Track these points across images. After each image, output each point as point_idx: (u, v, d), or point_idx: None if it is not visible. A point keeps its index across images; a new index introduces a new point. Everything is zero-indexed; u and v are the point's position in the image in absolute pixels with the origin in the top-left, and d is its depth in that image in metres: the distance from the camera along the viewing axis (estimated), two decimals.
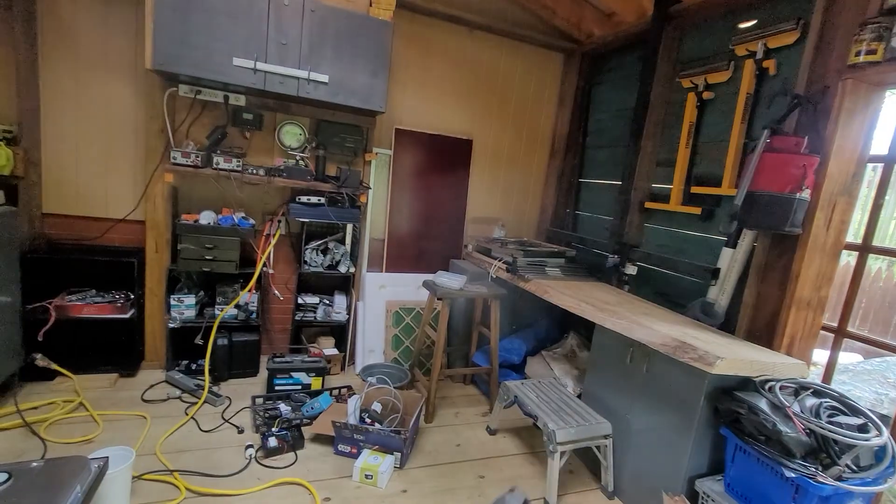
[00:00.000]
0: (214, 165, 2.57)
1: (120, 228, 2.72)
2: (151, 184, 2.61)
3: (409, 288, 3.29)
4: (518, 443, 2.55)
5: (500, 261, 3.05)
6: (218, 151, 2.62)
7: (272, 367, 2.62)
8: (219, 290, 2.82)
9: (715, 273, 2.26)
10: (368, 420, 2.33)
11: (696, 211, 2.51)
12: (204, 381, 2.61)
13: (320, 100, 2.52)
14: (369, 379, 2.62)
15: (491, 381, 2.85)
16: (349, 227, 3.09)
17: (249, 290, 2.81)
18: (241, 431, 2.30)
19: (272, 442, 2.18)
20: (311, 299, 3.04)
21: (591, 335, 2.42)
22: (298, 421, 2.38)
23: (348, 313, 3.09)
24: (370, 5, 2.59)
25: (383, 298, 3.18)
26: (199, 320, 2.73)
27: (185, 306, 2.73)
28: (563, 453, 2.05)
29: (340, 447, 2.23)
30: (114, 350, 2.67)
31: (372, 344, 3.13)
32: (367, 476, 2.04)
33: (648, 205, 2.84)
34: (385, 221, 3.27)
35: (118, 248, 2.69)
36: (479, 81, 3.43)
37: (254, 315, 2.85)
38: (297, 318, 2.98)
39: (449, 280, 2.68)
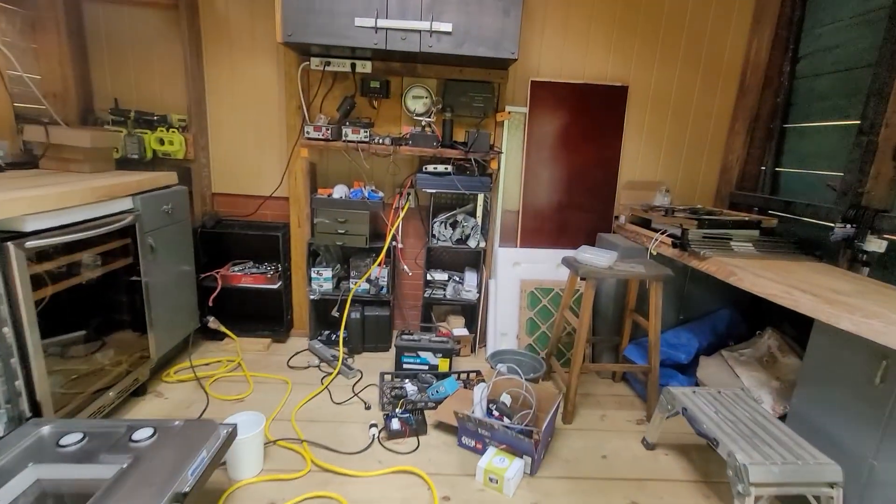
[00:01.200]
0: (343, 138, 2.53)
1: (270, 205, 2.92)
2: (291, 160, 2.71)
3: (547, 266, 2.88)
4: (685, 465, 1.99)
5: (662, 233, 2.42)
6: (347, 123, 2.57)
7: (400, 345, 2.53)
8: (352, 263, 2.84)
9: None
10: (496, 414, 2.05)
11: None
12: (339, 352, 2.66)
13: (445, 53, 2.25)
14: (499, 367, 2.34)
15: (649, 382, 2.30)
16: (480, 197, 2.81)
17: (379, 265, 2.75)
18: (367, 408, 2.25)
19: (395, 424, 2.06)
20: (440, 276, 2.88)
21: (803, 335, 1.71)
22: (423, 404, 2.24)
23: (479, 292, 2.84)
24: None
25: (518, 277, 2.84)
26: (335, 293, 2.79)
27: (324, 279, 2.81)
28: (758, 498, 1.47)
29: (464, 440, 2.00)
30: (268, 317, 2.91)
31: (504, 327, 2.84)
32: (491, 479, 1.77)
33: None
34: (520, 190, 2.89)
35: (270, 224, 2.89)
36: (636, 9, 2.74)
37: (384, 290, 2.80)
38: (426, 294, 2.85)
39: (594, 256, 2.20)
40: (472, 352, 2.91)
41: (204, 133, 2.78)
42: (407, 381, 2.43)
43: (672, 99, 2.89)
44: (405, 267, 2.90)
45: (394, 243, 2.81)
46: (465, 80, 2.62)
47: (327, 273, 2.81)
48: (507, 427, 1.88)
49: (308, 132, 2.50)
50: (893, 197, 1.99)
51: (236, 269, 2.81)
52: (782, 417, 1.88)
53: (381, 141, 2.54)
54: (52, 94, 2.50)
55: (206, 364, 2.56)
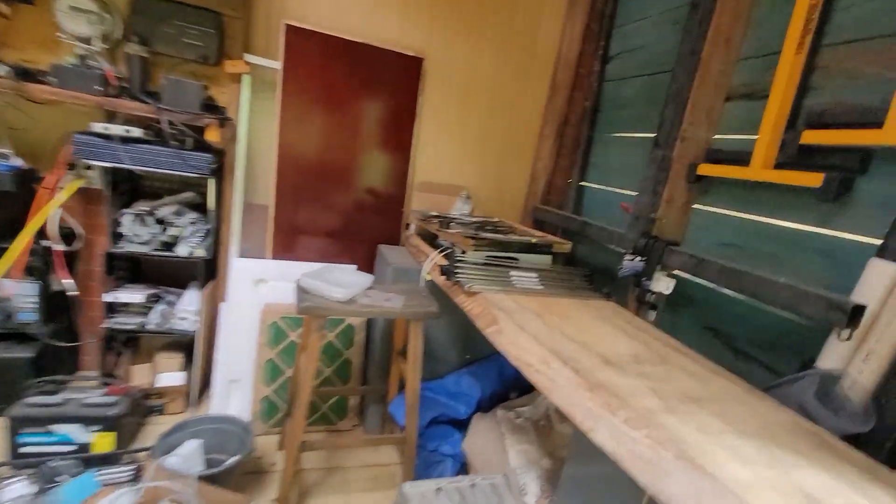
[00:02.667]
0: None
1: None
2: None
3: None
4: None
5: (442, 252, 1.83)
6: None
7: (17, 415, 1.52)
8: None
9: (853, 313, 1.02)
10: None
11: (811, 181, 1.22)
12: None
13: None
14: (164, 460, 1.48)
15: (405, 452, 1.68)
16: (212, 183, 1.92)
17: (10, 276, 1.69)
18: None
19: None
20: (133, 296, 1.91)
21: None
22: None
23: (202, 320, 1.95)
24: None
25: (262, 300, 2.02)
26: None
27: None
28: None
29: None
30: None
31: (237, 371, 2.00)
32: None
33: (705, 169, 1.55)
34: (272, 178, 2.07)
35: None
36: None
37: (25, 316, 1.74)
38: (106, 325, 1.86)
39: (325, 284, 1.49)
40: (187, 407, 2.01)
41: None
42: (19, 478, 1.44)
43: (481, 85, 2.36)
44: (63, 281, 1.85)
45: (47, 243, 1.76)
46: (172, 1, 1.71)
47: None
48: None
49: None
50: (683, 227, 1.66)
51: None
52: None
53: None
54: None
55: None
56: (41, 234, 1.74)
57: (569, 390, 0.98)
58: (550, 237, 1.91)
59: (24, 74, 1.54)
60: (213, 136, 1.76)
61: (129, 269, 2.00)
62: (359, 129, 2.16)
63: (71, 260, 1.88)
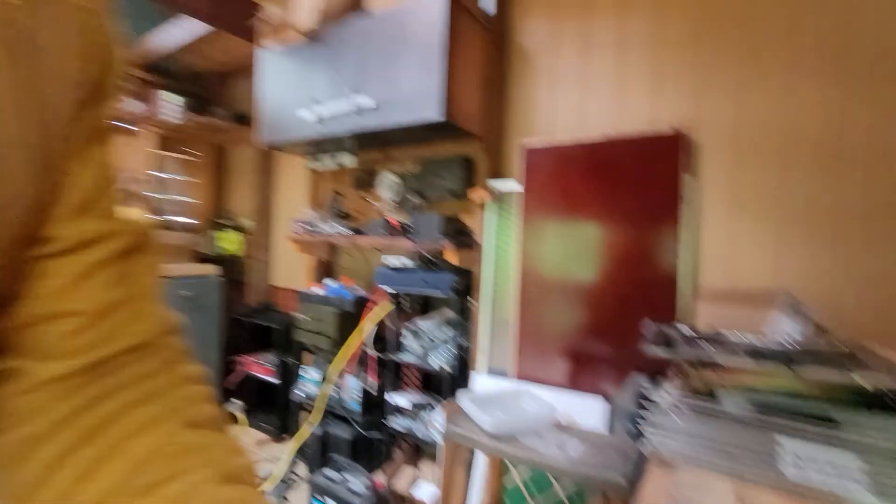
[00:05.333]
0: (314, 230, 2.43)
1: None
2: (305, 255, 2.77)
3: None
4: None
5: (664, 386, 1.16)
6: (329, 216, 2.47)
7: (314, 482, 1.99)
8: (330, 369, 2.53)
9: None
10: None
11: None
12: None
13: (372, 130, 1.95)
14: None
15: None
16: (459, 301, 2.10)
17: (342, 375, 2.34)
18: None
19: None
20: (403, 399, 2.19)
21: None
22: None
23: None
24: None
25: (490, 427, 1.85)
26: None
27: (311, 381, 2.59)
28: None
29: None
30: (278, 410, 2.85)
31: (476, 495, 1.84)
32: None
33: None
34: (516, 296, 2.01)
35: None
36: (716, 9, 1.72)
37: (351, 405, 2.33)
38: (387, 422, 2.21)
39: (491, 408, 1.23)
40: None
41: (265, 233, 3.21)
42: None
43: (802, 136, 1.54)
44: (371, 379, 2.35)
45: (366, 350, 2.36)
46: (438, 160, 2.16)
47: (316, 375, 2.58)
48: None
49: (293, 226, 2.53)
50: None
51: (258, 357, 2.94)
52: None
53: (341, 232, 2.31)
54: (199, 209, 3.44)
55: None
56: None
57: None
58: None
59: (356, 231, 2.30)
60: (453, 258, 1.96)
61: (399, 375, 2.36)
62: (608, 236, 1.83)
63: (383, 364, 2.43)
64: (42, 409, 0.30)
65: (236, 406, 2.86)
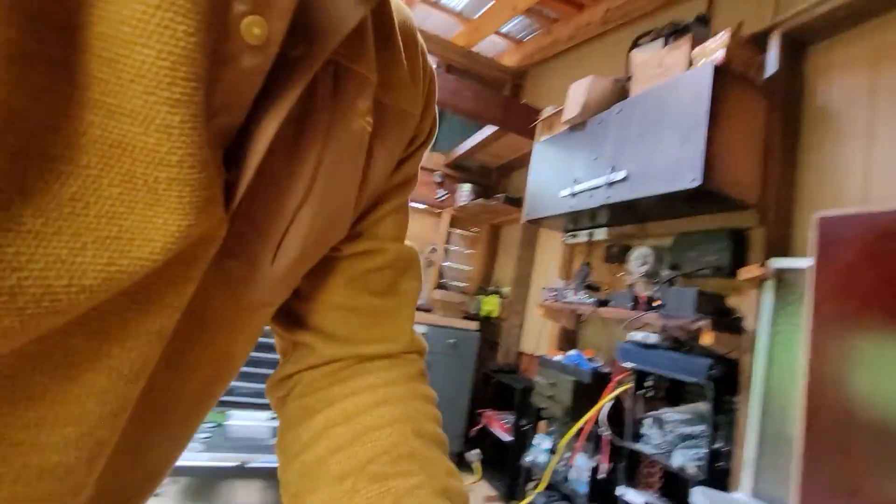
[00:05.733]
0: (560, 299, 2.54)
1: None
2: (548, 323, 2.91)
3: None
4: None
5: None
6: (578, 286, 2.56)
7: None
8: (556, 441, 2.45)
9: None
10: None
11: None
12: None
13: (622, 201, 2.00)
14: None
15: None
16: (711, 392, 1.77)
17: (572, 452, 2.24)
18: None
19: None
20: (638, 497, 1.90)
21: None
22: None
23: None
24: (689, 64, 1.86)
25: None
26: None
27: (542, 449, 2.58)
28: None
29: None
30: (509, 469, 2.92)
31: None
32: None
33: None
34: (800, 411, 1.54)
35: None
36: None
37: (580, 489, 2.19)
38: None
39: None
40: None
41: (521, 300, 3.52)
42: None
43: None
44: (600, 465, 2.11)
45: (599, 430, 2.21)
46: (696, 232, 1.99)
47: (547, 443, 2.57)
48: None
49: (543, 295, 2.72)
50: None
51: (499, 415, 3.13)
52: None
53: (585, 301, 2.33)
54: (472, 275, 4.14)
55: None
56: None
57: None
58: None
59: (601, 303, 2.28)
60: (708, 340, 1.70)
61: (636, 467, 2.04)
62: None
63: (618, 450, 2.21)
64: (319, 386, 0.37)
65: (475, 455, 3.09)
